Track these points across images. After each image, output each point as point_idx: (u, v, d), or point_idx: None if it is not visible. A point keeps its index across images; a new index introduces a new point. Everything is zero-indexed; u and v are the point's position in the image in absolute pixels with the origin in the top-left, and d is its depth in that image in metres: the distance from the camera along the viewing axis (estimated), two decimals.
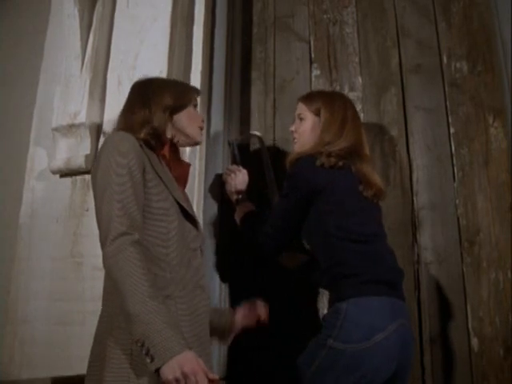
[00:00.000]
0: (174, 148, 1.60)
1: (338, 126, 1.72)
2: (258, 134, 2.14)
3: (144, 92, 1.61)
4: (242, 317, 1.66)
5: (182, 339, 1.16)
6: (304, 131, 1.77)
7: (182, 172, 1.61)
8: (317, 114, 1.76)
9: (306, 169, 1.64)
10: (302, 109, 1.80)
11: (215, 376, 1.19)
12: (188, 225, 1.47)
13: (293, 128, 1.83)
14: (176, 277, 1.35)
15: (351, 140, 1.70)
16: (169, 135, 1.57)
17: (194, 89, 1.74)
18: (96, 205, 1.37)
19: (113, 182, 1.35)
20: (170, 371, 1.12)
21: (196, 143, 1.70)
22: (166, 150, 1.55)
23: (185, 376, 1.12)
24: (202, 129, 1.67)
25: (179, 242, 1.41)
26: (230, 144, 2.15)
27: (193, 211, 1.55)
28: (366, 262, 1.52)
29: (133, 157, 1.38)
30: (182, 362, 1.12)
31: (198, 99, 1.72)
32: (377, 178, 1.71)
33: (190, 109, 1.63)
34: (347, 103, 1.82)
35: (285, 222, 1.68)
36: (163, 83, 1.70)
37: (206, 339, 1.37)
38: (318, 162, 1.62)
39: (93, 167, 1.47)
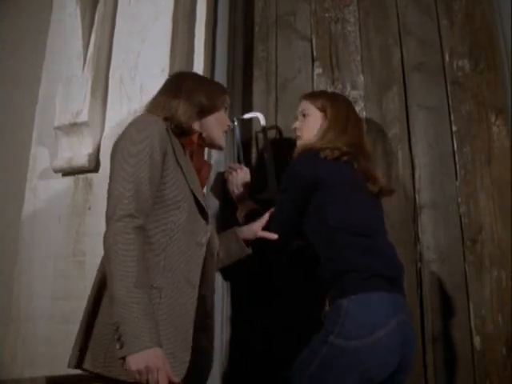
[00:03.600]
0: (202, 141, 1.61)
1: (343, 123, 1.74)
2: (259, 115, 2.16)
3: (177, 83, 1.63)
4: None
5: (154, 334, 1.19)
6: (309, 127, 1.77)
7: (203, 168, 1.63)
8: (322, 110, 1.77)
9: (306, 162, 1.65)
10: (307, 105, 1.81)
11: (176, 380, 1.21)
12: (199, 219, 1.46)
13: (296, 125, 1.83)
14: (169, 268, 1.34)
15: (355, 137, 1.73)
16: (197, 129, 1.59)
17: (226, 91, 1.74)
18: (110, 178, 1.37)
19: (131, 158, 1.35)
20: (134, 362, 1.15)
21: (218, 147, 1.71)
22: (194, 138, 1.57)
23: (147, 371, 1.15)
24: (226, 133, 1.69)
25: (185, 235, 1.39)
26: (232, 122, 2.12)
27: (206, 207, 1.52)
28: (366, 256, 1.52)
29: (157, 138, 1.38)
30: (149, 357, 1.15)
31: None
32: (379, 175, 1.72)
33: (221, 112, 1.65)
34: (349, 102, 1.87)
35: (285, 216, 1.68)
36: (200, 80, 1.73)
37: (188, 335, 1.33)
38: (322, 154, 1.63)
39: (115, 141, 1.45)
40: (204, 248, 1.44)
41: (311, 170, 1.62)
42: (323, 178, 1.60)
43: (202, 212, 1.47)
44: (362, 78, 2.22)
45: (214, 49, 2.27)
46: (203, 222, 1.47)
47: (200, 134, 1.59)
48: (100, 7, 2.25)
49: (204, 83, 1.69)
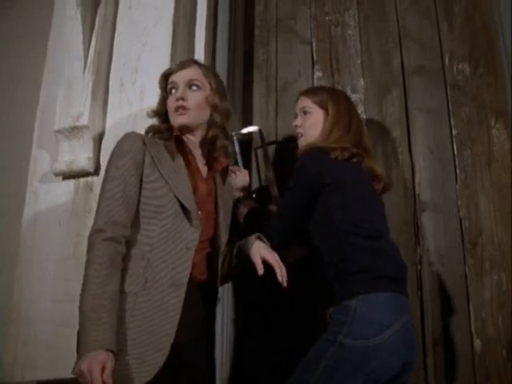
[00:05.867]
0: (179, 133, 1.61)
1: (346, 119, 1.73)
2: (257, 129, 2.15)
3: None
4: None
5: (102, 337, 1.25)
6: (311, 124, 1.76)
7: (215, 163, 1.64)
8: (322, 106, 1.76)
9: (314, 161, 1.63)
10: (307, 102, 1.79)
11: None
12: (185, 223, 1.47)
13: (297, 123, 1.81)
14: (150, 274, 1.40)
15: (359, 134, 1.73)
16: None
17: (165, 73, 1.71)
18: None
19: (106, 181, 1.46)
20: (79, 363, 1.23)
21: (178, 127, 1.63)
22: (172, 143, 1.59)
23: (86, 373, 1.20)
24: (177, 110, 1.60)
25: (171, 240, 1.44)
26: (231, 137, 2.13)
27: (195, 209, 1.51)
28: (373, 257, 1.52)
29: (130, 157, 1.47)
30: (90, 359, 1.22)
31: (175, 78, 1.66)
32: (382, 172, 1.75)
33: (168, 96, 1.65)
34: (348, 98, 1.86)
35: (291, 216, 1.66)
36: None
37: (164, 337, 1.36)
38: (332, 155, 1.62)
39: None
40: (191, 252, 1.46)
41: (319, 169, 1.60)
42: (332, 179, 1.59)
43: (189, 215, 1.48)
44: (362, 81, 2.23)
45: (214, 52, 2.27)
46: (190, 225, 1.48)
47: (175, 131, 1.62)
48: (101, 10, 2.26)
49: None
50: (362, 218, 1.57)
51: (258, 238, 1.58)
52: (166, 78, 1.68)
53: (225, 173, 1.70)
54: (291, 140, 1.97)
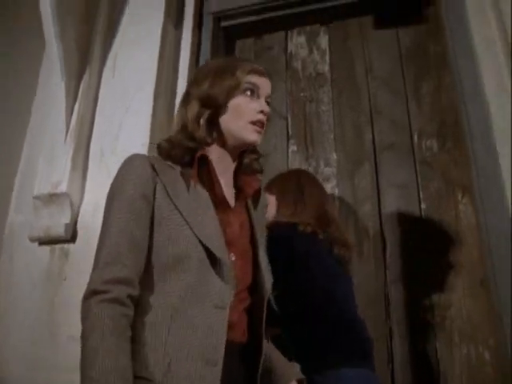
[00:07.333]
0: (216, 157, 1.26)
1: (295, 198, 1.78)
2: None
3: (188, 83, 1.36)
4: None
5: None
6: (272, 214, 1.80)
7: (246, 184, 1.30)
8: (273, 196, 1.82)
9: (285, 235, 1.66)
10: (266, 195, 1.84)
11: None
12: (213, 274, 1.11)
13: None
14: (173, 350, 1.05)
15: (316, 206, 1.76)
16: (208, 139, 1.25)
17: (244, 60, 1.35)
18: None
19: (105, 224, 1.12)
20: None
21: (249, 144, 1.29)
22: (194, 166, 1.21)
23: None
24: (256, 123, 1.27)
25: (197, 300, 1.09)
26: None
27: (224, 251, 1.14)
28: (341, 331, 1.54)
29: (135, 189, 1.13)
30: None
31: (260, 82, 1.29)
32: (349, 239, 1.79)
33: (239, 97, 1.26)
34: (300, 172, 1.92)
35: None
36: (210, 66, 1.35)
37: None
38: (299, 228, 1.65)
39: None
40: (225, 312, 1.10)
41: (291, 245, 1.64)
42: (302, 253, 1.63)
43: (219, 264, 1.12)
44: (334, 155, 2.30)
45: None
46: (221, 277, 1.12)
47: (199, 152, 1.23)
48: (85, 79, 2.33)
49: (212, 68, 1.31)
50: (330, 292, 1.60)
51: None
52: (247, 71, 1.27)
53: (256, 195, 1.35)
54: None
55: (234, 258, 1.18)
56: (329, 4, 2.52)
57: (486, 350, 1.87)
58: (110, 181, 2.06)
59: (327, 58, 2.51)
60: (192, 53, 2.45)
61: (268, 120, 1.29)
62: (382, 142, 2.27)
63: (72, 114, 2.25)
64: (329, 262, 1.68)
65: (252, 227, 1.29)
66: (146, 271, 1.11)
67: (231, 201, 1.27)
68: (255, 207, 1.34)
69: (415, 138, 2.25)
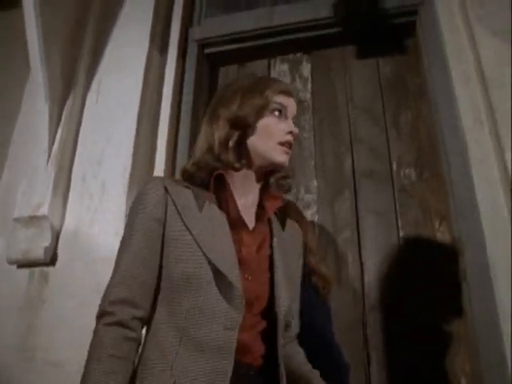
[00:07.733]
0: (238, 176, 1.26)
1: None
2: None
3: (213, 102, 1.35)
4: None
5: None
6: None
7: (268, 202, 1.27)
8: None
9: None
10: None
11: None
12: (221, 296, 1.10)
13: None
14: (179, 375, 1.05)
15: None
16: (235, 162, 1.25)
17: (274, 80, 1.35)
18: None
19: (120, 249, 1.16)
20: None
21: (277, 165, 1.27)
22: (210, 186, 1.23)
23: None
24: (284, 144, 1.26)
25: (201, 321, 1.08)
26: None
27: (235, 272, 1.13)
28: (318, 357, 1.54)
29: (146, 213, 1.15)
30: None
31: (288, 103, 1.30)
32: (328, 272, 1.80)
33: (267, 118, 1.27)
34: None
35: None
36: (237, 85, 1.33)
37: None
38: None
39: None
40: (234, 332, 1.08)
41: None
42: None
43: (226, 283, 1.10)
44: (315, 182, 2.33)
45: (175, 150, 2.35)
46: (230, 296, 1.10)
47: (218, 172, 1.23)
48: (68, 104, 2.34)
49: (241, 88, 1.30)
50: (308, 321, 1.60)
51: None
52: (277, 91, 1.28)
53: (282, 215, 1.35)
54: None
55: (249, 278, 1.17)
56: (312, 33, 2.58)
57: (462, 376, 1.88)
58: (92, 204, 2.12)
59: (309, 86, 2.56)
60: (176, 79, 2.48)
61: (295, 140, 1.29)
62: (362, 170, 2.31)
63: (55, 138, 2.26)
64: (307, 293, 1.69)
65: (272, 248, 1.26)
66: (156, 291, 1.13)
67: (250, 221, 1.25)
68: (283, 227, 1.34)
69: (394, 166, 2.29)
